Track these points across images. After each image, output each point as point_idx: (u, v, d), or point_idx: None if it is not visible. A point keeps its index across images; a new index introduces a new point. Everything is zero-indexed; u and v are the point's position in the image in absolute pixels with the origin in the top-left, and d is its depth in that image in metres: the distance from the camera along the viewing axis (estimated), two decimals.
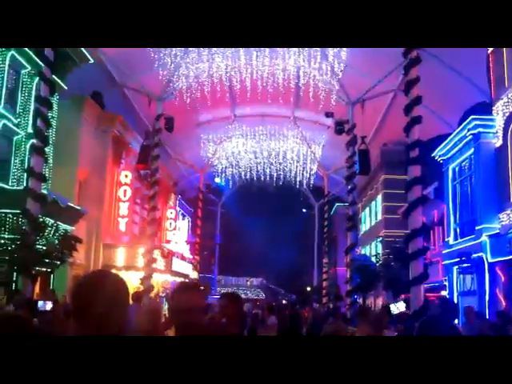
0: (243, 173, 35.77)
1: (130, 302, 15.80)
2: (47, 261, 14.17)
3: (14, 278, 14.52)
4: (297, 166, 34.95)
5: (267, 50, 22.53)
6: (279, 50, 22.41)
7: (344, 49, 21.24)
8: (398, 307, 18.74)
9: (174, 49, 21.28)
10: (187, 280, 27.53)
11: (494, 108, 19.00)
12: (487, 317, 16.78)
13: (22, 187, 16.16)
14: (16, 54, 16.52)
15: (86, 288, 2.14)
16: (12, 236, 13.98)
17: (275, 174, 36.06)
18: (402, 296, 23.15)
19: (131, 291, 19.71)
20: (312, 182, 36.40)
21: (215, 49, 22.22)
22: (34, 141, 14.59)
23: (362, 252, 36.92)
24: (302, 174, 35.47)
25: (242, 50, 22.49)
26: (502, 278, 17.76)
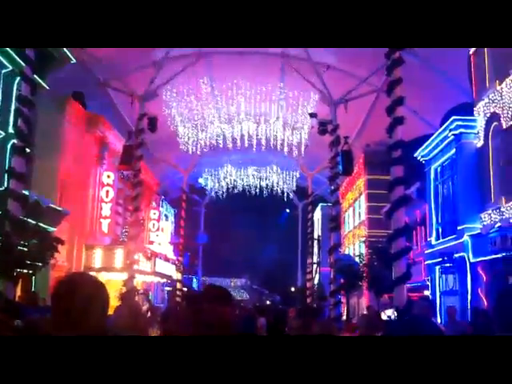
0: (226, 176, 35.84)
1: (117, 302, 15.68)
2: (29, 262, 14.00)
3: None
4: (279, 169, 35.09)
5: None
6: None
7: (327, 49, 21.31)
8: (387, 314, 18.85)
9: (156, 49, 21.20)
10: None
11: (475, 108, 19.20)
12: (469, 316, 16.96)
13: (2, 188, 15.96)
14: None
15: (64, 288, 2.13)
16: None
17: (257, 175, 36.17)
18: (386, 296, 23.31)
19: (114, 293, 19.61)
20: (295, 182, 36.54)
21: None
22: (14, 141, 14.42)
23: (346, 252, 37.09)
24: (285, 175, 35.62)
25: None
26: (484, 278, 17.94)
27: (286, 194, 38.77)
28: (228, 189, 38.10)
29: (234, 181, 37.26)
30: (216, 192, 38.78)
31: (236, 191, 38.36)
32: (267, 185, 37.32)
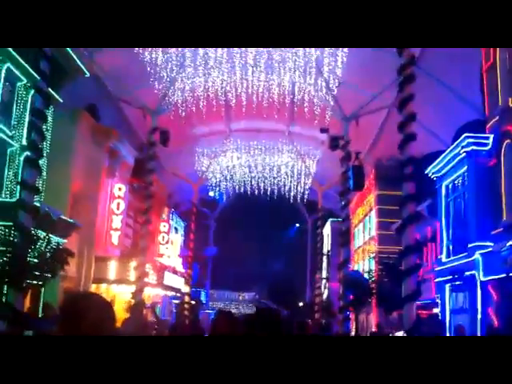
0: (237, 187, 35.83)
1: (125, 315, 15.60)
2: (38, 274, 14.04)
3: (5, 291, 14.37)
4: (291, 181, 35.01)
5: (263, 65, 22.65)
6: (275, 64, 22.53)
7: (339, 65, 21.38)
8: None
9: (169, 63, 21.37)
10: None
11: (487, 126, 19.13)
12: (478, 335, 16.77)
13: (14, 199, 16.07)
14: (12, 67, 16.52)
15: (71, 313, 2.12)
16: (3, 248, 13.86)
17: (269, 189, 36.15)
18: (395, 313, 23.12)
19: (123, 305, 19.60)
20: (306, 196, 36.50)
21: (211, 63, 22.32)
22: (27, 153, 14.53)
23: (355, 268, 36.89)
24: (297, 188, 35.56)
25: (237, 65, 22.60)
26: (494, 297, 17.76)
27: (296, 209, 38.76)
28: (239, 202, 38.24)
29: (245, 194, 37.32)
30: (226, 206, 38.88)
31: (246, 205, 38.44)
32: (278, 199, 37.28)
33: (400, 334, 18.17)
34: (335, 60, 21.01)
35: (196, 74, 22.93)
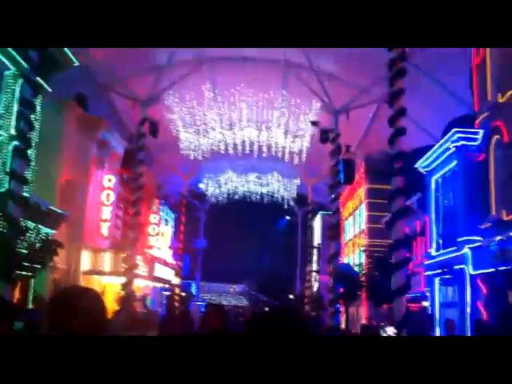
0: (227, 182, 35.90)
1: (116, 306, 15.52)
2: (28, 265, 13.98)
3: None
4: (280, 176, 35.15)
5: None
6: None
7: (330, 58, 21.39)
8: (387, 332, 18.86)
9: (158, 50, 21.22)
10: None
11: (476, 121, 19.21)
12: (468, 328, 16.91)
13: (3, 190, 15.94)
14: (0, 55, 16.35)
15: (63, 304, 2.09)
16: None
17: (257, 181, 36.25)
18: (385, 306, 23.25)
19: (113, 296, 19.55)
20: (295, 190, 36.58)
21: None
22: (16, 143, 14.42)
23: (346, 261, 37.02)
24: (285, 183, 35.67)
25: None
26: (484, 291, 17.89)
27: (286, 202, 38.74)
28: (228, 195, 38.09)
29: (235, 187, 37.26)
30: (216, 197, 38.75)
31: (236, 197, 38.35)
32: (268, 192, 37.31)
33: (390, 329, 18.27)
34: (326, 53, 20.97)
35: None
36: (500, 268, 16.14)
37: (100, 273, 23.36)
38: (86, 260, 23.17)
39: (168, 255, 33.92)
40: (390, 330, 18.39)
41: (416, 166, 23.55)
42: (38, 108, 14.83)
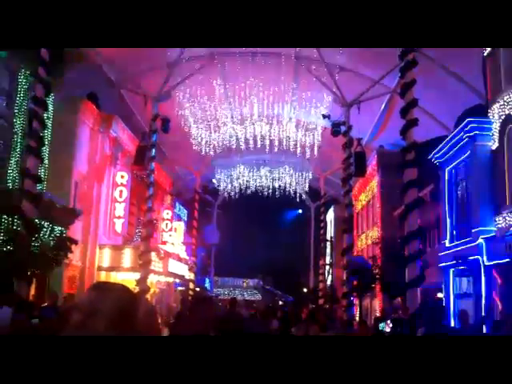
0: (239, 176, 35.91)
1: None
2: (42, 262, 14.09)
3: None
4: (292, 170, 35.08)
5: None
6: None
7: (341, 50, 21.26)
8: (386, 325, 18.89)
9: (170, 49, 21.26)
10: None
11: (489, 111, 19.03)
12: (483, 319, 16.80)
13: (17, 188, 16.08)
14: (12, 55, 16.45)
15: (93, 302, 2.08)
16: (7, 237, 13.90)
17: (270, 176, 36.21)
18: (399, 298, 23.18)
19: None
20: (308, 183, 36.49)
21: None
22: (29, 141, 14.53)
23: (359, 254, 36.94)
24: (298, 177, 35.60)
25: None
26: (499, 281, 17.77)
27: (298, 195, 38.66)
28: (241, 189, 38.10)
29: (247, 181, 37.22)
30: (229, 193, 38.78)
31: (249, 192, 38.34)
32: (280, 186, 37.23)
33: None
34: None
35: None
36: None
37: (120, 269, 23.51)
38: (106, 257, 23.33)
39: (181, 250, 34.04)
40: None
41: (429, 157, 23.39)
42: (50, 107, 14.91)
